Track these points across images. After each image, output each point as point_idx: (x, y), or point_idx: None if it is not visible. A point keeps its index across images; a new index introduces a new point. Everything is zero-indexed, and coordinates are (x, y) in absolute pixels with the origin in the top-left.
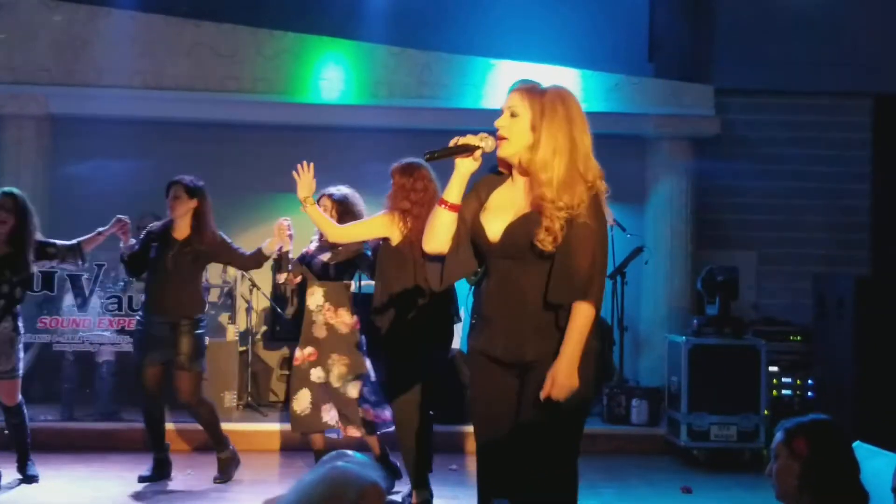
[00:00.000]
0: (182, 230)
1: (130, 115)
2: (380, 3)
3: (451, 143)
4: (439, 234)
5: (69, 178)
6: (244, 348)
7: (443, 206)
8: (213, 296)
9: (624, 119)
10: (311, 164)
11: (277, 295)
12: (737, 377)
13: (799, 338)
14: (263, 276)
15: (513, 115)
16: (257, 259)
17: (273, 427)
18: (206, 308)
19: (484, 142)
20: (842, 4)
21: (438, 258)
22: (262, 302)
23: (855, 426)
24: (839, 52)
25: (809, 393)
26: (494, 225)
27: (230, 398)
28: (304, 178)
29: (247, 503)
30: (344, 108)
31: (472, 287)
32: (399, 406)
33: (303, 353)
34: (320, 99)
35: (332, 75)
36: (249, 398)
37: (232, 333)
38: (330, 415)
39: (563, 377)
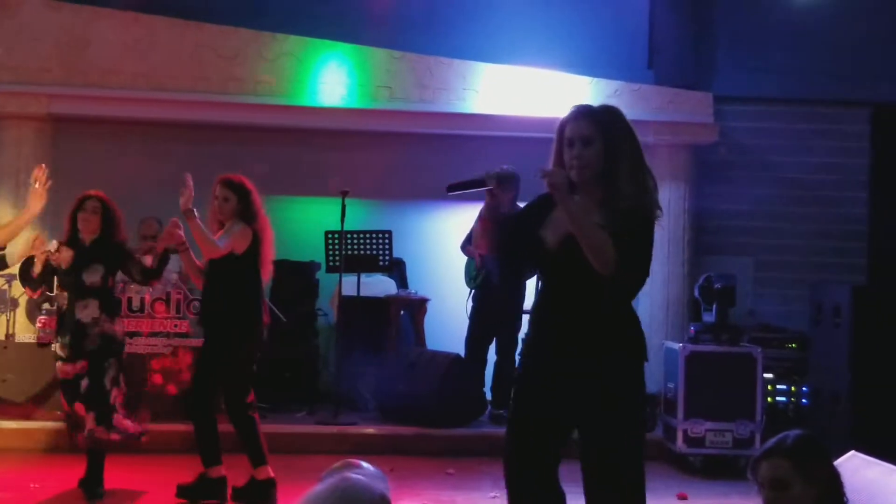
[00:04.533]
0: None
1: (131, 116)
2: (382, 7)
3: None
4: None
5: (69, 180)
6: None
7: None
8: None
9: None
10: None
11: None
12: (733, 384)
13: (794, 345)
14: None
15: (587, 143)
16: None
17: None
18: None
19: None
20: (841, 14)
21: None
22: None
23: (850, 435)
24: (838, 60)
25: (804, 400)
26: (553, 236)
27: None
28: (188, 192)
29: None
30: (345, 112)
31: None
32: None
33: None
34: (321, 102)
35: (333, 78)
36: None
37: None
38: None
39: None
